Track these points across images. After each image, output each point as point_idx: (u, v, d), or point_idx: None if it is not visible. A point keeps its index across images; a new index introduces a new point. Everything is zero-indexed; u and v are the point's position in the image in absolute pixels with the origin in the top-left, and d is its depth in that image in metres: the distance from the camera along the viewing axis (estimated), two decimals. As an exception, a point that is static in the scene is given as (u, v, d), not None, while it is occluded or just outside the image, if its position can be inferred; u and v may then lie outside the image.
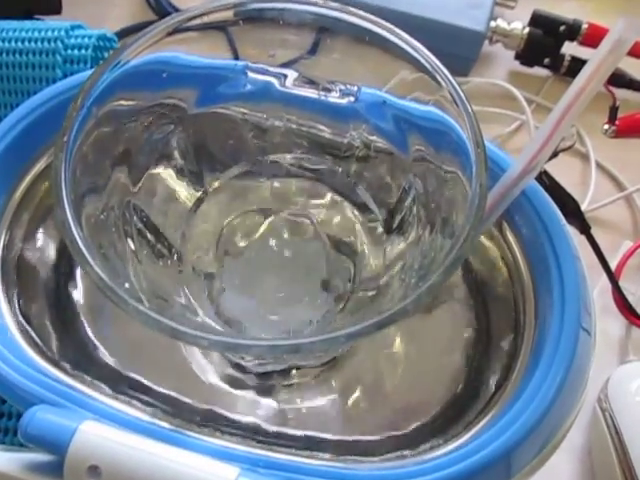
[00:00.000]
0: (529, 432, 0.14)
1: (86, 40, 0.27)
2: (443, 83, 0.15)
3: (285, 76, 0.17)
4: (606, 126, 0.25)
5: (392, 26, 0.17)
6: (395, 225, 0.17)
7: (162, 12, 0.36)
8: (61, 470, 0.13)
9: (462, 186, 0.15)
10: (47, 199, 0.19)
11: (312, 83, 0.17)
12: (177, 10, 0.35)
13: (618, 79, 0.31)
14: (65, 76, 0.27)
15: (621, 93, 0.32)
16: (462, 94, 0.14)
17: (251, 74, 0.17)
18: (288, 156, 0.18)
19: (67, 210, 0.13)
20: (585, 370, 0.15)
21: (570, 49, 0.32)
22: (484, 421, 0.15)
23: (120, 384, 0.18)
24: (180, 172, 0.18)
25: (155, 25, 0.16)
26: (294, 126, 0.18)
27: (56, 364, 0.16)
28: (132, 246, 0.15)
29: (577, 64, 0.32)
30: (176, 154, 0.18)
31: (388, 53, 0.17)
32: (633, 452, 0.23)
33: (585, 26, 0.31)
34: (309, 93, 0.17)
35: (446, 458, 0.15)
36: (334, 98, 0.17)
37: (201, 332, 0.12)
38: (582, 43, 0.32)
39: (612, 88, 0.27)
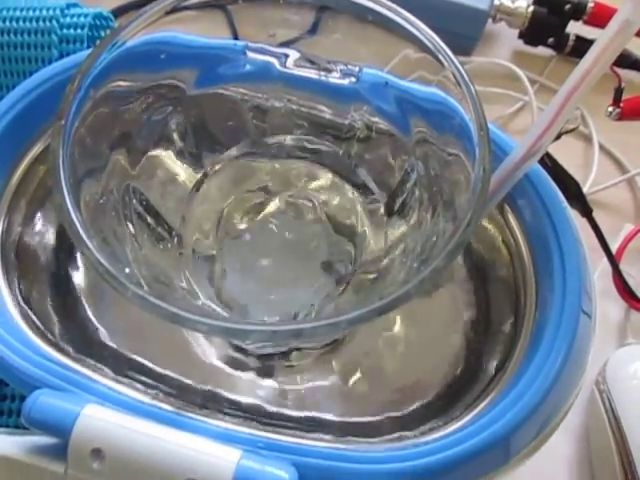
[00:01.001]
0: (528, 415, 0.14)
1: (82, 19, 0.27)
2: (446, 64, 0.15)
3: (286, 56, 0.17)
4: (610, 108, 0.25)
5: (394, 5, 0.17)
6: (396, 208, 0.17)
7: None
8: (65, 453, 0.13)
9: (465, 169, 0.14)
10: (45, 182, 0.19)
11: (313, 63, 0.16)
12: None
13: (623, 59, 0.31)
14: (61, 56, 0.27)
15: (626, 74, 0.32)
16: (466, 75, 0.14)
17: (250, 54, 0.17)
18: (289, 137, 0.18)
19: (66, 194, 0.13)
20: (585, 353, 0.15)
21: (575, 28, 0.32)
22: (484, 403, 0.15)
23: (122, 366, 0.18)
24: (180, 154, 0.18)
25: (153, 4, 0.16)
26: (294, 107, 0.18)
27: (58, 348, 0.16)
28: (132, 230, 0.15)
29: (582, 44, 0.31)
30: (175, 136, 0.17)
31: (390, 33, 0.17)
32: (630, 434, 0.23)
33: (591, 5, 0.31)
34: (310, 74, 0.17)
35: (446, 440, 0.15)
36: (335, 79, 0.17)
37: (201, 317, 0.12)
38: (587, 22, 0.31)
39: (617, 69, 0.26)
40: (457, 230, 0.13)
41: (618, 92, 0.24)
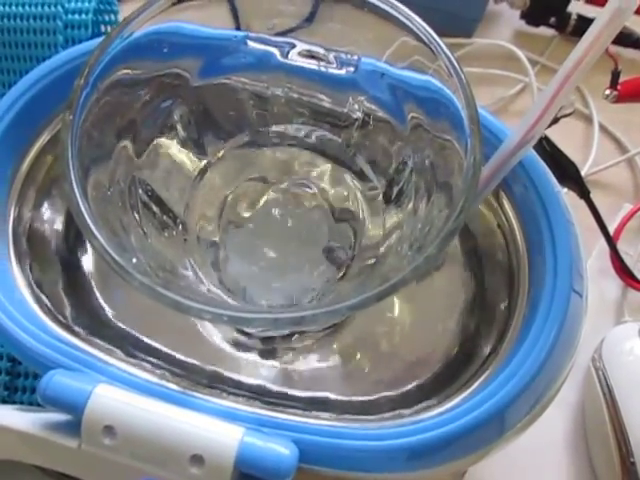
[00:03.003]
0: (521, 391, 0.15)
1: (86, 4, 0.27)
2: (439, 56, 0.15)
3: (286, 46, 0.17)
4: (607, 91, 0.25)
5: None
6: (394, 195, 0.17)
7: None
8: (79, 430, 0.14)
9: (458, 155, 0.15)
10: (52, 171, 0.19)
11: (313, 54, 0.17)
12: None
13: (624, 38, 0.31)
14: (66, 41, 0.27)
15: (627, 53, 0.32)
16: (458, 68, 0.15)
17: (251, 44, 0.17)
18: (290, 126, 0.18)
19: (75, 187, 0.13)
20: (576, 331, 0.16)
21: (577, 7, 0.32)
22: (478, 382, 0.16)
23: (130, 347, 0.18)
24: (184, 143, 0.18)
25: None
26: (295, 95, 0.18)
27: (70, 330, 0.17)
28: (138, 219, 0.16)
29: (584, 23, 0.31)
30: (179, 125, 0.18)
31: (388, 21, 0.17)
32: (624, 409, 0.24)
33: (592, -16, 0.31)
34: (309, 64, 0.17)
35: (442, 417, 0.15)
36: (334, 69, 0.17)
37: (205, 305, 0.12)
38: (589, 1, 0.31)
39: (614, 51, 0.26)
40: (450, 217, 0.13)
41: (615, 75, 0.25)
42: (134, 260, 0.13)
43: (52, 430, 0.14)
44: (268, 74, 0.18)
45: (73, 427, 0.14)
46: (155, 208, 0.17)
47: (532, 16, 0.32)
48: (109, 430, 0.13)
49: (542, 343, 0.15)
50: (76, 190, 0.13)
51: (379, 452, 0.14)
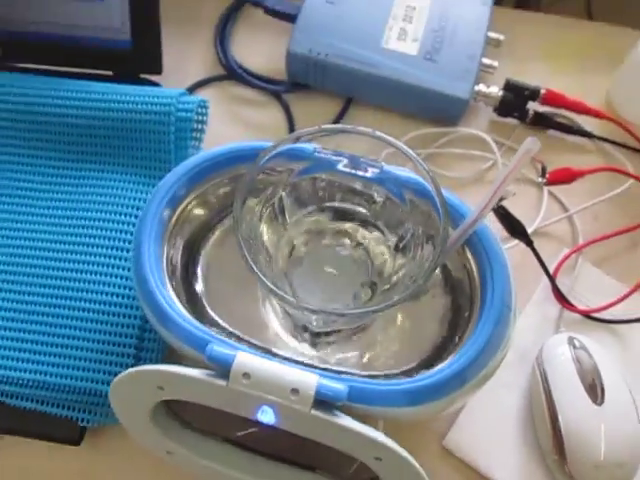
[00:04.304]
0: (472, 362, 0.26)
1: (190, 105, 0.39)
2: (420, 166, 0.26)
3: (339, 157, 0.29)
4: (539, 179, 0.37)
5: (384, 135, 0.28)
6: (400, 247, 0.29)
7: (229, 67, 0.47)
8: (227, 376, 0.25)
9: (437, 223, 0.26)
10: (187, 222, 0.31)
11: (354, 163, 0.28)
12: (240, 67, 0.46)
13: (569, 128, 0.43)
14: (176, 131, 0.38)
15: (571, 138, 0.44)
16: (430, 173, 0.26)
17: (317, 154, 0.29)
18: (336, 203, 0.30)
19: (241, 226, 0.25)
20: (506, 328, 0.27)
21: (534, 106, 0.43)
22: (450, 357, 0.27)
23: (228, 336, 0.29)
24: (280, 209, 0.30)
25: (314, 130, 0.27)
26: (342, 184, 0.30)
27: (203, 322, 0.28)
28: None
29: (538, 117, 0.43)
30: (276, 199, 0.30)
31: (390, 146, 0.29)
32: (555, 393, 0.34)
33: (543, 91, 0.43)
34: (352, 169, 0.29)
35: (429, 376, 0.27)
36: (364, 172, 0.29)
37: (297, 301, 0.24)
38: (541, 102, 0.43)
39: (541, 159, 0.38)
40: (431, 262, 0.25)
41: (543, 170, 0.36)
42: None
43: (211, 377, 0.25)
44: (327, 172, 0.29)
45: (223, 375, 0.25)
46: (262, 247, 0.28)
47: (501, 110, 0.43)
48: (246, 375, 0.25)
49: (484, 335, 0.27)
50: (241, 227, 0.25)
51: (393, 392, 0.26)
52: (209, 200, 0.32)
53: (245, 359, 0.25)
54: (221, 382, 0.25)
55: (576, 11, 0.82)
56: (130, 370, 0.26)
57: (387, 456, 0.25)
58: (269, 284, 0.24)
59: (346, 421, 0.24)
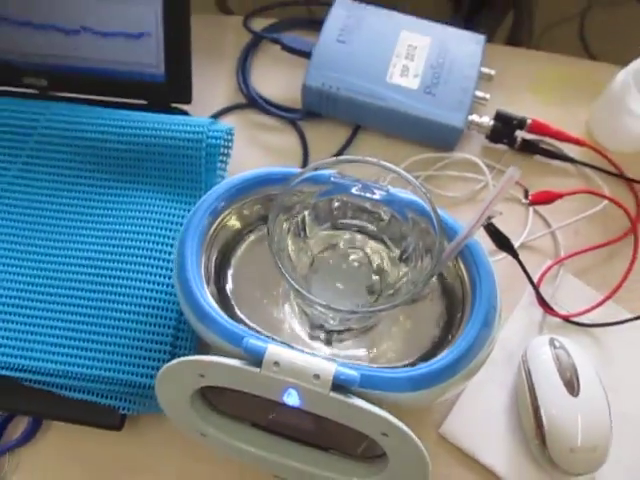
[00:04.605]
0: (463, 355, 0.31)
1: (219, 133, 0.44)
2: (420, 190, 0.32)
3: (352, 182, 0.34)
4: (523, 200, 0.42)
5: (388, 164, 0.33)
6: (403, 258, 0.34)
7: (250, 97, 0.52)
8: (260, 364, 0.30)
9: (434, 237, 0.32)
10: (221, 234, 0.37)
11: (365, 187, 0.34)
12: (260, 96, 0.52)
13: (553, 154, 0.48)
14: (206, 155, 0.44)
15: (555, 163, 0.49)
16: (428, 195, 0.31)
17: (333, 179, 0.34)
18: (349, 220, 0.35)
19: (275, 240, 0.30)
20: (492, 326, 0.32)
21: (521, 134, 0.49)
22: (445, 350, 0.32)
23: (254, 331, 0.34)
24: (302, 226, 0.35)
25: (323, 163, 0.32)
26: (353, 202, 0.35)
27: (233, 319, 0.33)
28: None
29: (525, 144, 0.48)
30: (299, 218, 0.35)
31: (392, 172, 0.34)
32: (537, 388, 0.39)
33: (529, 121, 0.48)
34: (363, 192, 0.34)
35: (428, 366, 0.32)
36: (375, 195, 0.34)
37: (318, 300, 0.29)
38: (528, 131, 0.48)
39: (526, 182, 0.43)
40: (428, 272, 0.30)
41: (525, 192, 0.42)
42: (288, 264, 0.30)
43: (246, 365, 0.30)
44: (343, 194, 0.35)
45: (256, 364, 0.30)
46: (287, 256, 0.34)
47: (492, 138, 0.49)
48: (276, 364, 0.30)
49: (473, 333, 0.32)
50: (275, 239, 0.30)
51: (398, 379, 0.31)
52: (242, 214, 0.37)
53: (275, 350, 0.30)
54: (255, 369, 0.30)
55: (569, 36, 0.88)
56: (177, 360, 0.31)
57: (392, 431, 0.30)
58: (297, 286, 0.29)
59: (359, 402, 0.29)
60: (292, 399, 0.30)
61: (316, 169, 0.32)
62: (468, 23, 0.78)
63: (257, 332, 0.35)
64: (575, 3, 0.91)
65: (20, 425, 0.41)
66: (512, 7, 0.81)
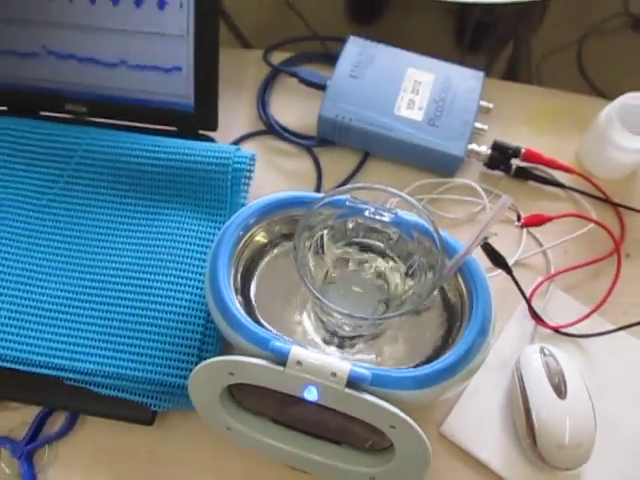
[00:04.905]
0: (461, 359, 0.36)
1: (243, 159, 0.49)
2: (423, 213, 0.36)
3: (362, 203, 0.39)
4: (516, 223, 0.47)
5: (395, 190, 0.38)
6: (409, 273, 0.39)
7: (268, 124, 0.57)
8: (285, 363, 0.34)
9: (436, 255, 0.36)
10: (247, 250, 0.41)
11: (375, 210, 0.38)
12: (278, 124, 0.57)
13: (546, 180, 0.53)
14: (232, 179, 0.48)
15: (548, 189, 0.54)
16: (430, 218, 0.36)
17: (347, 202, 0.39)
18: (361, 239, 0.40)
19: (300, 256, 0.35)
20: (487, 334, 0.36)
21: (516, 162, 0.53)
22: (445, 353, 0.37)
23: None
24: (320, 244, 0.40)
25: (339, 190, 0.37)
26: (365, 223, 0.40)
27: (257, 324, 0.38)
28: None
29: (520, 171, 0.53)
30: (323, 235, 0.39)
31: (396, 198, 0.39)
32: (529, 394, 0.42)
33: (524, 150, 0.53)
34: (374, 215, 0.39)
35: (431, 367, 0.36)
36: (384, 217, 0.39)
37: (337, 308, 0.33)
38: (522, 159, 0.53)
39: (519, 206, 0.48)
40: (430, 286, 0.35)
41: (518, 216, 0.46)
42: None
43: (271, 364, 0.35)
44: (356, 217, 0.39)
45: (280, 363, 0.34)
46: (308, 270, 0.38)
47: (490, 165, 0.53)
48: (299, 363, 0.34)
49: (470, 339, 0.36)
50: (300, 252, 0.35)
51: (402, 378, 0.35)
52: (269, 231, 0.42)
53: (298, 351, 0.34)
54: (279, 368, 0.35)
55: (567, 64, 0.93)
56: (211, 359, 0.36)
57: (399, 424, 0.34)
58: (319, 296, 0.34)
59: (370, 397, 0.34)
60: (311, 395, 0.35)
61: (334, 194, 0.37)
62: (472, 50, 0.84)
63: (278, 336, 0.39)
64: (572, 32, 0.96)
65: (58, 420, 0.45)
66: (512, 36, 0.86)
